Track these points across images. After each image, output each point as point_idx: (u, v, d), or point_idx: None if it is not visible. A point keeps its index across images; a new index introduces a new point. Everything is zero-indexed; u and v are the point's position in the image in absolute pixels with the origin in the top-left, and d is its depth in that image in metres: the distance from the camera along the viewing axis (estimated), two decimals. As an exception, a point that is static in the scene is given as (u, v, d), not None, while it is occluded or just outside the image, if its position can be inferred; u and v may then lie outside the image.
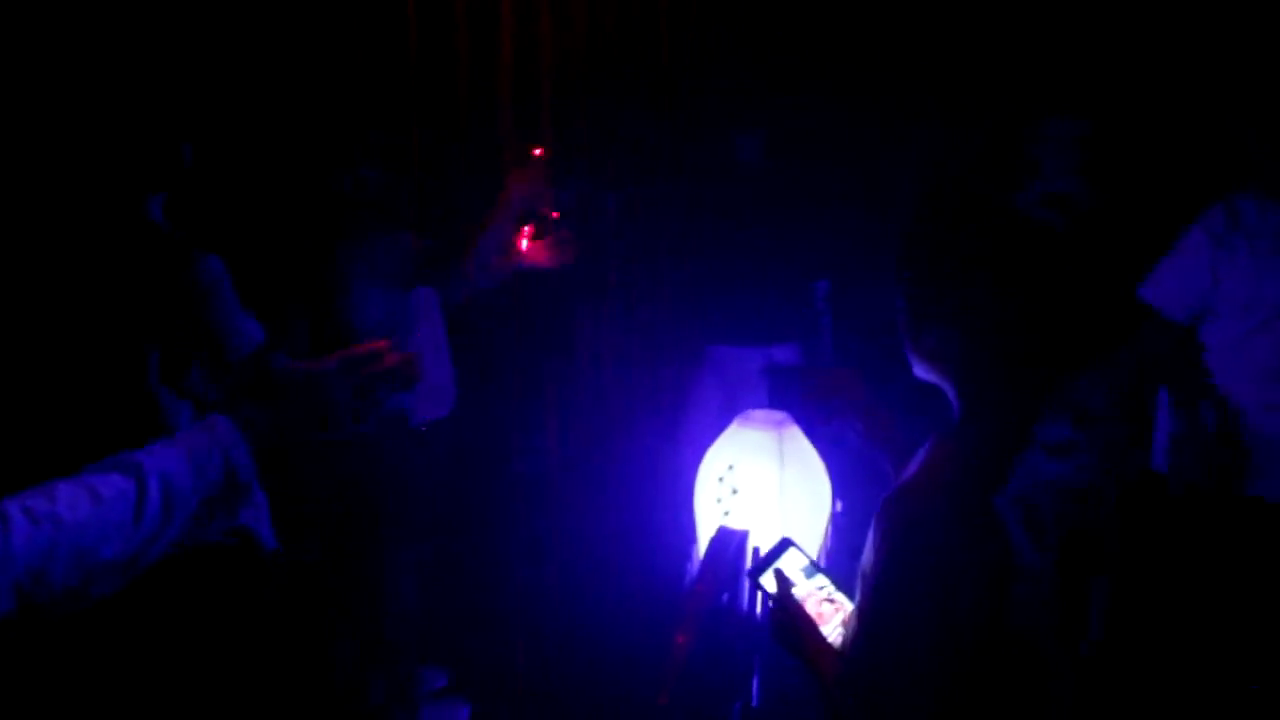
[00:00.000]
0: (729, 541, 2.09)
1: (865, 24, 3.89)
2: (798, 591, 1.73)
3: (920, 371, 1.57)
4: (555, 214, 3.12)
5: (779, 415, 2.19)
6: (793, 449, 2.15)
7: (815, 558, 2.26)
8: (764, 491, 2.14)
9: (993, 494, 1.36)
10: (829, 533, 2.21)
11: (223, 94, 3.30)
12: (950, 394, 1.53)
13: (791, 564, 1.77)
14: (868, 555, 1.47)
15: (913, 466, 1.52)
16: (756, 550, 1.85)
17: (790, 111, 3.70)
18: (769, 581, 1.73)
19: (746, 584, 2.05)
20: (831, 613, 1.69)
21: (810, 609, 1.70)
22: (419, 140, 3.48)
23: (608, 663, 3.35)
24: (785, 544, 1.79)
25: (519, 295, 3.49)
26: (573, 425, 3.61)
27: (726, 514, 2.14)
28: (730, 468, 2.15)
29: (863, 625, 1.42)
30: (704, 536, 2.23)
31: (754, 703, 2.10)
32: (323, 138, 3.18)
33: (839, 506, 2.23)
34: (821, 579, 1.75)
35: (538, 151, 3.11)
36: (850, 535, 2.21)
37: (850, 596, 1.69)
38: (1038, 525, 1.36)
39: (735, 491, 2.14)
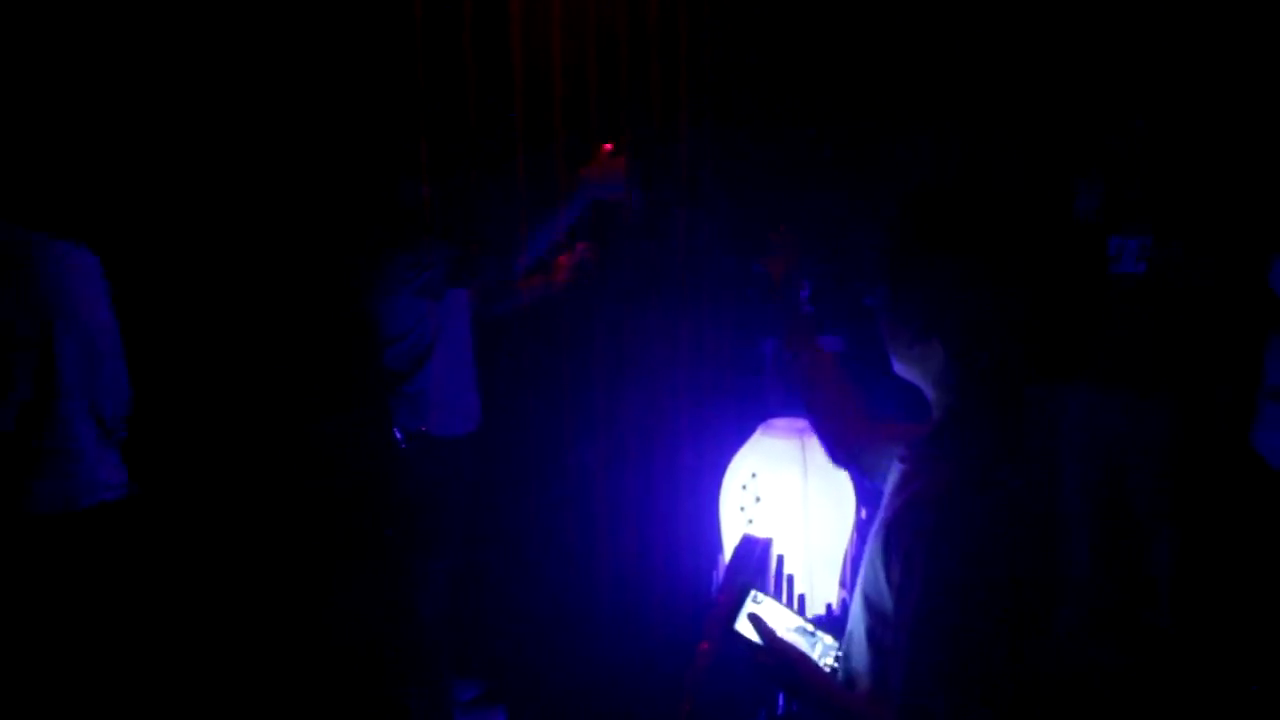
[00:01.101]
0: (753, 548, 2.10)
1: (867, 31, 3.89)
2: (780, 632, 1.65)
3: (902, 370, 1.56)
4: (626, 210, 3.13)
5: (801, 423, 2.20)
6: (816, 456, 2.16)
7: (840, 566, 2.26)
8: (788, 499, 2.15)
9: (1003, 484, 1.36)
10: (853, 539, 2.21)
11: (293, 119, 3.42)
12: (939, 392, 1.51)
13: (762, 607, 1.68)
14: (880, 577, 1.45)
15: (902, 481, 1.50)
16: (719, 602, 1.79)
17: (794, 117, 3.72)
18: (746, 628, 1.64)
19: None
20: (811, 645, 1.66)
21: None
22: (467, 151, 3.54)
23: (636, 669, 3.37)
24: (745, 588, 1.69)
25: (551, 303, 3.52)
26: (605, 433, 3.62)
27: (750, 521, 2.16)
28: (754, 475, 2.16)
29: (919, 638, 1.37)
30: (729, 544, 2.24)
31: (779, 710, 2.11)
32: (368, 150, 3.25)
33: (863, 514, 2.23)
34: (792, 615, 1.69)
35: (607, 147, 3.10)
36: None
37: (825, 628, 1.66)
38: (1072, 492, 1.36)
39: (759, 499, 2.15)
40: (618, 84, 3.64)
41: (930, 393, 1.53)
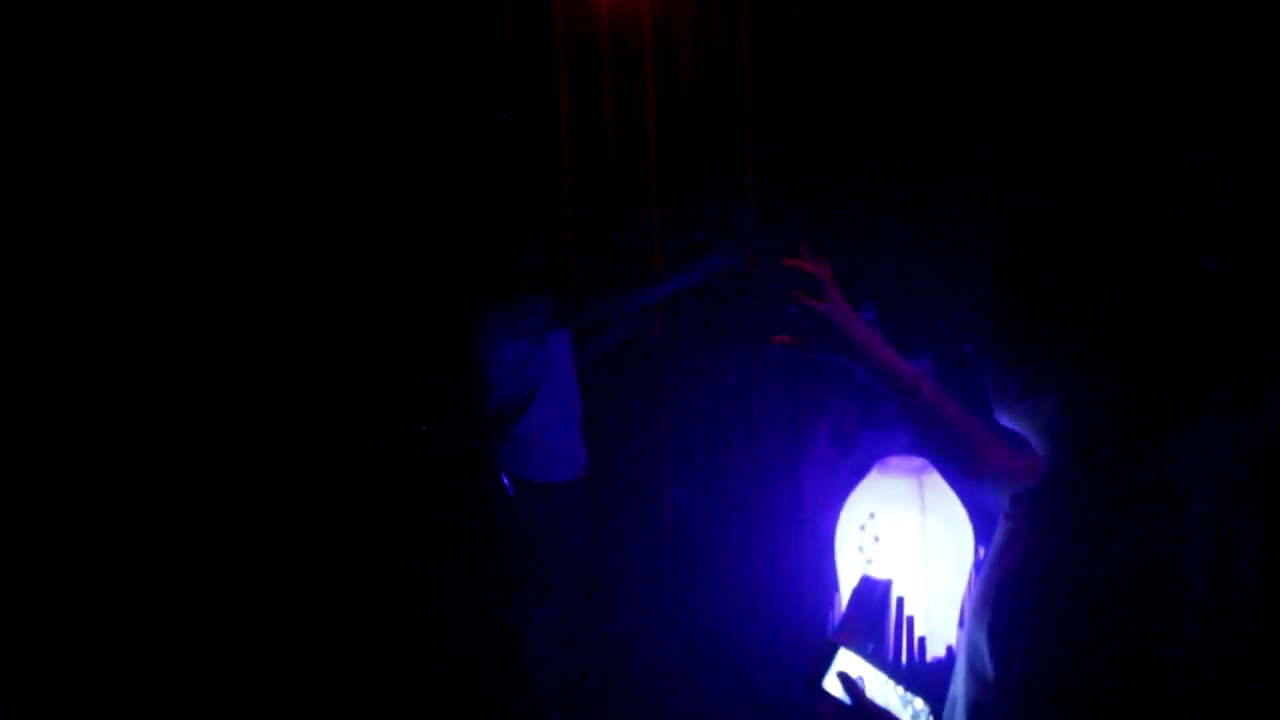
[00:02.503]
0: (873, 590, 2.08)
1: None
2: (871, 692, 1.60)
3: (1006, 421, 1.49)
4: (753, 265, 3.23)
5: (919, 462, 2.18)
6: (934, 496, 2.14)
7: (960, 606, 2.23)
8: (906, 539, 2.13)
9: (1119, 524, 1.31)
10: (973, 579, 2.18)
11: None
12: (1050, 444, 1.44)
13: (851, 665, 1.63)
14: (984, 647, 1.39)
15: (1007, 540, 1.43)
16: (807, 659, 1.76)
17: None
18: (834, 687, 1.59)
19: (891, 639, 2.02)
20: (904, 708, 1.61)
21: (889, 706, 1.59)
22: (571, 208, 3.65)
23: (751, 716, 3.33)
24: (833, 646, 1.64)
25: (653, 345, 3.57)
26: (716, 473, 3.64)
27: (869, 562, 2.14)
28: (871, 515, 2.15)
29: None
30: (846, 585, 2.23)
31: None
32: (485, 211, 3.37)
33: (982, 554, 2.20)
34: (884, 676, 1.65)
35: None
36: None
37: (921, 690, 1.61)
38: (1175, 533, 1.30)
39: (877, 539, 2.14)
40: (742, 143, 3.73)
41: (1038, 444, 1.47)
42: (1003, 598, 1.34)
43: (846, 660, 1.64)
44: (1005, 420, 1.49)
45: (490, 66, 3.64)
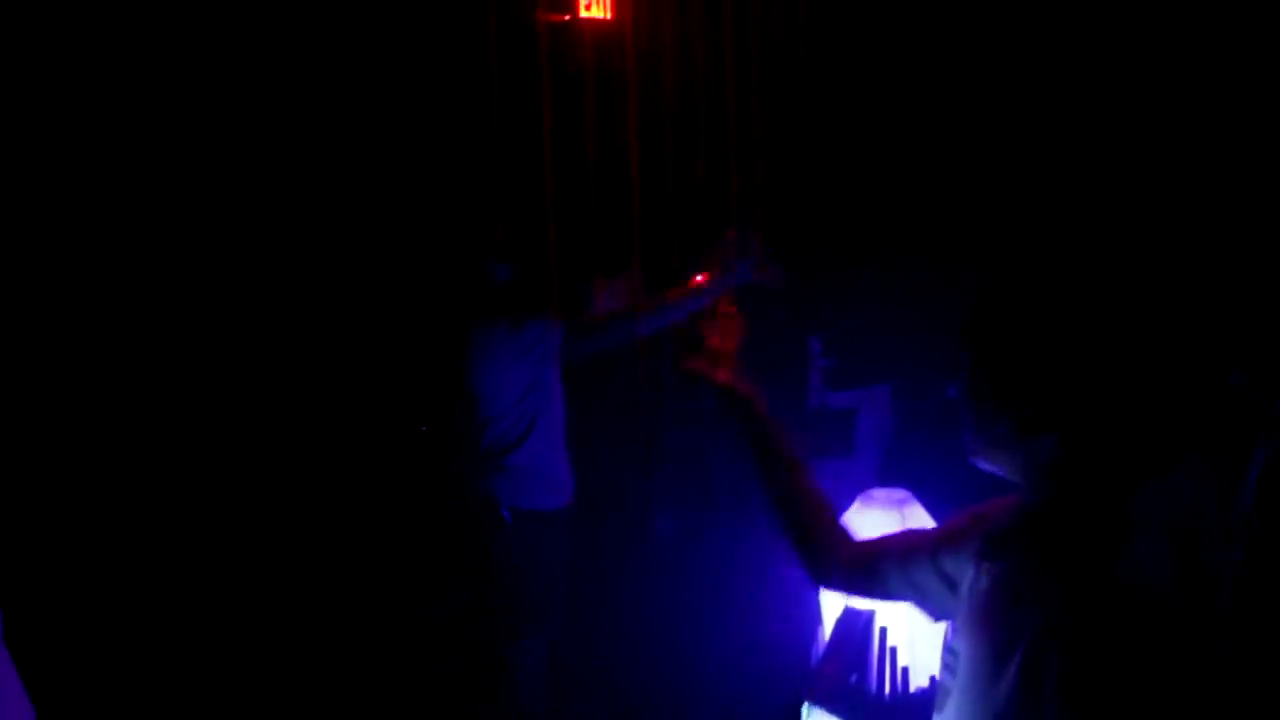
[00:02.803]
0: (856, 622, 2.11)
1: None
2: None
3: (989, 465, 1.47)
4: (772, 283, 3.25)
5: (901, 494, 2.22)
6: (916, 526, 2.17)
7: (943, 637, 2.26)
8: (888, 571, 2.16)
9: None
10: (978, 620, 2.21)
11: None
12: (1043, 481, 1.42)
13: None
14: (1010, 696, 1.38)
15: (998, 584, 1.40)
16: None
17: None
18: None
19: (874, 670, 2.04)
20: None
21: None
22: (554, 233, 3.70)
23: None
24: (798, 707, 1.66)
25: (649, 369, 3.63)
26: (703, 501, 3.67)
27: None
28: (854, 548, 2.17)
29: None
30: (829, 617, 2.25)
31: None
32: (469, 233, 3.41)
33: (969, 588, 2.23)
34: None
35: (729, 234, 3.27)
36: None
37: None
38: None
39: (860, 572, 2.16)
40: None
41: (1027, 480, 1.45)
42: (1023, 642, 1.32)
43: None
44: (984, 461, 1.49)
45: (497, 107, 3.71)
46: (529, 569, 3.24)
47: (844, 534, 1.72)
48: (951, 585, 1.52)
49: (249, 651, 3.36)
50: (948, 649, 1.47)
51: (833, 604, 2.21)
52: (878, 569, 1.62)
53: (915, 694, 2.18)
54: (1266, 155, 3.75)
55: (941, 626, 2.22)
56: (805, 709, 1.64)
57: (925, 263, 3.92)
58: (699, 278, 3.20)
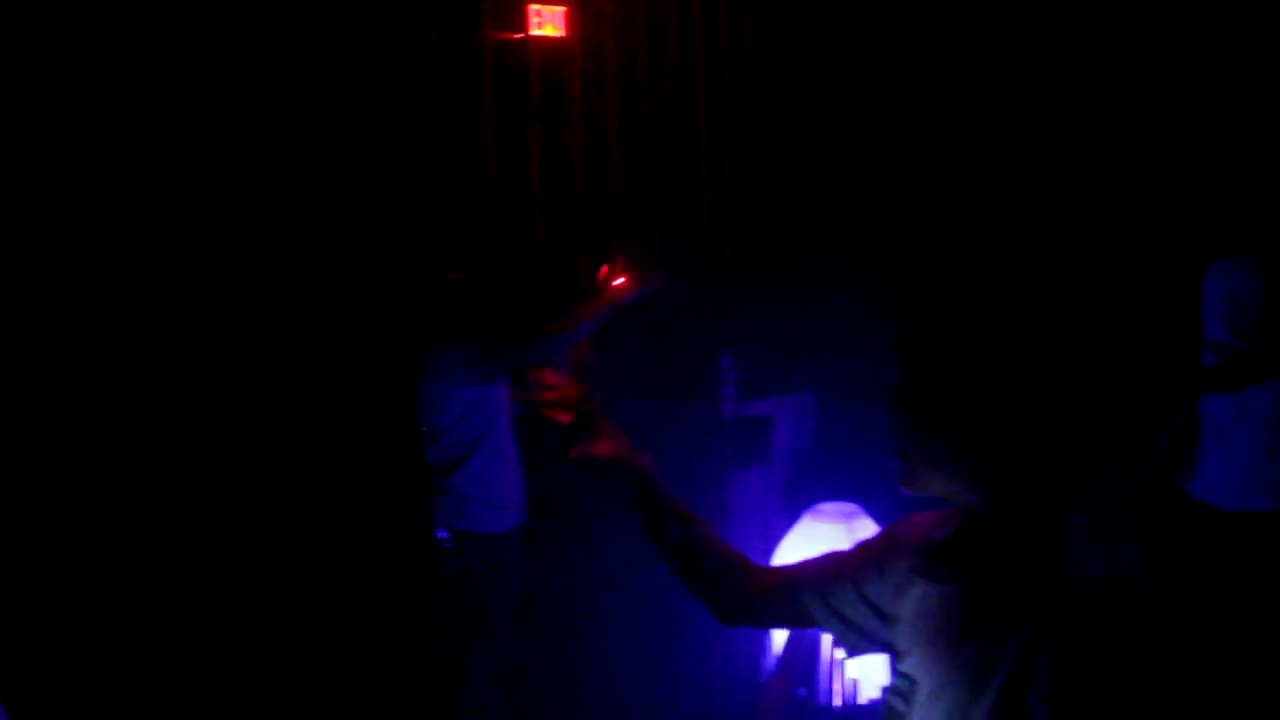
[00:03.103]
0: (804, 636, 2.13)
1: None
2: None
3: (925, 489, 1.46)
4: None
5: (849, 508, 2.24)
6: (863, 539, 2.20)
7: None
8: (837, 584, 2.18)
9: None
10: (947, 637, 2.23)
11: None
12: (988, 495, 1.43)
13: None
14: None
15: (949, 598, 1.41)
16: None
17: None
18: None
19: (824, 683, 2.06)
20: None
21: None
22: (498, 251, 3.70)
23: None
24: None
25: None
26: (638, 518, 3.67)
27: (801, 607, 2.18)
28: (803, 561, 2.19)
29: None
30: (778, 632, 2.27)
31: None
32: (413, 253, 3.38)
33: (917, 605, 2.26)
34: None
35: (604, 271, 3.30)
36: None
37: None
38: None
39: (809, 585, 2.18)
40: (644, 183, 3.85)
41: (961, 499, 1.45)
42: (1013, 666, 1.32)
43: None
44: (917, 488, 1.45)
45: (422, 114, 3.70)
46: (477, 591, 3.20)
47: (757, 571, 1.66)
48: (879, 612, 1.50)
49: (189, 666, 3.29)
50: (898, 675, 1.45)
51: (782, 617, 2.22)
52: (798, 601, 1.57)
53: (864, 705, 2.20)
54: (1200, 168, 3.87)
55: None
56: None
57: (839, 262, 4.01)
58: (617, 281, 3.22)
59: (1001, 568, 1.36)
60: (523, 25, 3.96)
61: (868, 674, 2.24)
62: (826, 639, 2.17)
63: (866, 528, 2.20)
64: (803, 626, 1.56)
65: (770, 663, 2.19)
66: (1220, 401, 3.03)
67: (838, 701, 2.11)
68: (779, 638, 2.21)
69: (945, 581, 1.41)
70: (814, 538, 2.22)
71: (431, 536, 3.18)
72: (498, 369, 3.22)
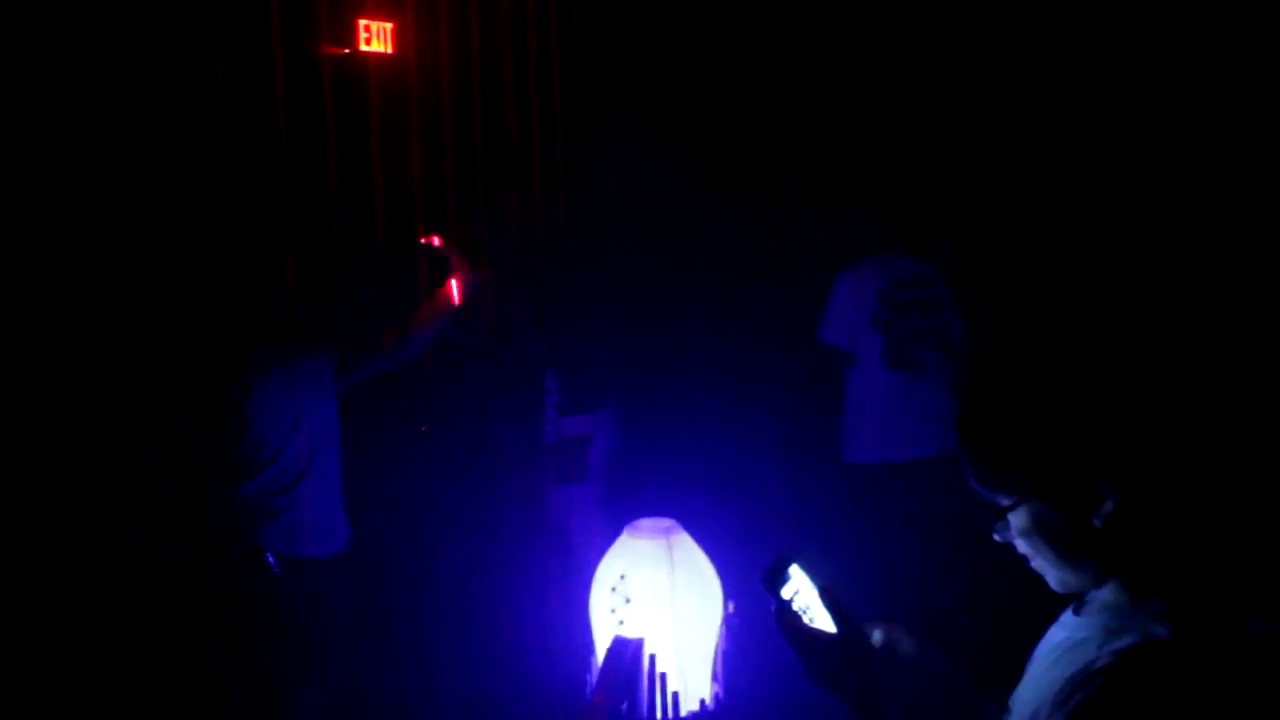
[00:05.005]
0: (625, 650, 2.13)
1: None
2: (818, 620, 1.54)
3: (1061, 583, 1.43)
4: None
5: (667, 523, 2.26)
6: (683, 555, 2.22)
7: (711, 661, 2.31)
8: (656, 599, 2.19)
9: None
10: (723, 634, 2.27)
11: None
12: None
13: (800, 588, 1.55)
14: None
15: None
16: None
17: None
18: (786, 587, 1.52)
19: (645, 696, 2.06)
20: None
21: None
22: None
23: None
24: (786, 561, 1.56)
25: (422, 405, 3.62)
26: (471, 541, 3.65)
27: (621, 623, 2.19)
28: (622, 577, 2.20)
29: None
30: (601, 646, 2.27)
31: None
32: (246, 262, 3.31)
33: (731, 608, 2.29)
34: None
35: (436, 241, 3.33)
36: (742, 636, 2.27)
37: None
38: None
39: (628, 600, 2.19)
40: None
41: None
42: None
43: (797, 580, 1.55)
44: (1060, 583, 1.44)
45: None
46: (302, 619, 3.12)
47: None
48: None
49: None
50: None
51: (603, 634, 2.23)
52: None
53: (686, 718, 2.21)
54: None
55: (710, 648, 2.28)
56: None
57: (660, 273, 4.13)
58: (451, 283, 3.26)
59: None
60: (353, 42, 3.93)
61: (690, 686, 2.27)
62: (647, 653, 2.18)
63: (684, 541, 2.22)
64: None
65: (593, 679, 2.18)
66: None
67: (659, 715, 2.12)
68: (601, 650, 2.21)
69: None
70: (634, 553, 2.23)
71: (262, 560, 3.10)
72: (350, 378, 3.17)
